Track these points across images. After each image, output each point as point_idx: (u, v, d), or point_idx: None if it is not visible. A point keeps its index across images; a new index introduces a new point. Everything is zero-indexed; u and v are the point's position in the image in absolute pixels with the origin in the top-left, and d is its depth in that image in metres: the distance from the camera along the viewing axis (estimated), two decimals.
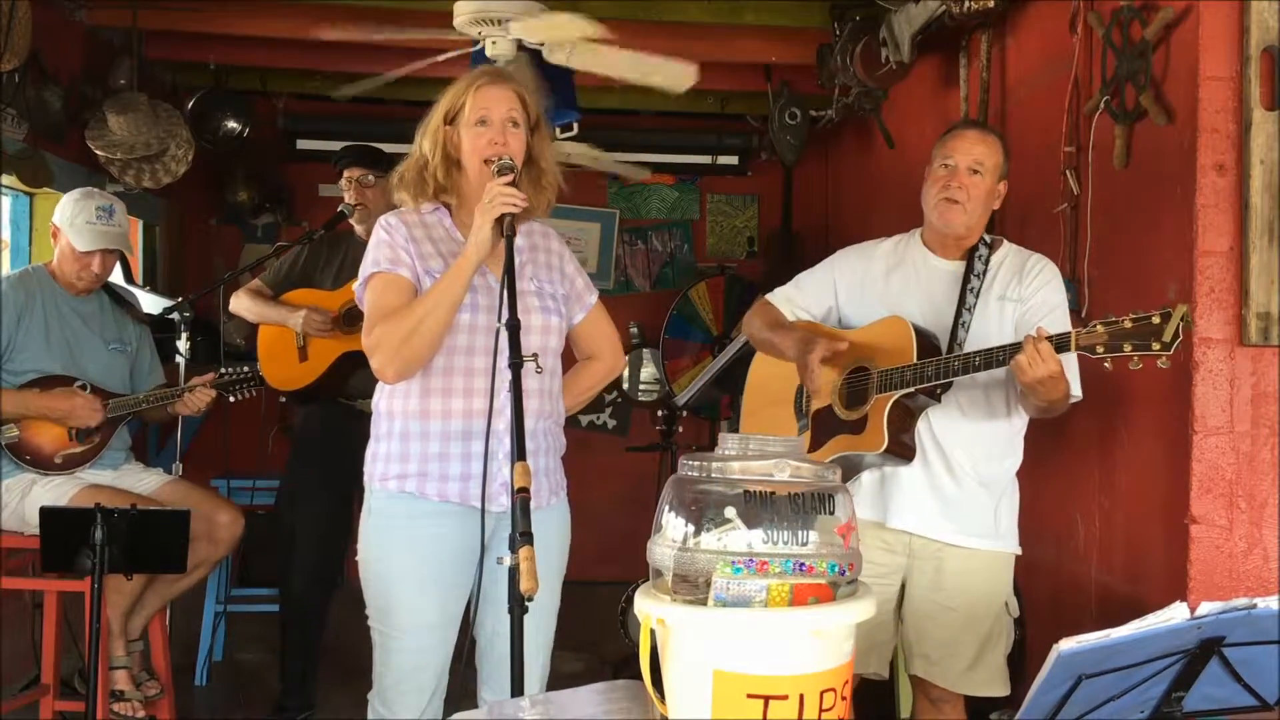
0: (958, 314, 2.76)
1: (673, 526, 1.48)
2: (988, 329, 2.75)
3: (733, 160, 6.84)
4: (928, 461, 2.78)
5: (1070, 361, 2.61)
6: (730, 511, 1.44)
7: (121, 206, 3.74)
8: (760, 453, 1.51)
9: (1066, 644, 1.53)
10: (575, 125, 4.67)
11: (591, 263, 6.80)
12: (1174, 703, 1.71)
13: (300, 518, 4.11)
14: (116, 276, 4.94)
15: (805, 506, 1.45)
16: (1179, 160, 2.92)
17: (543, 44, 3.87)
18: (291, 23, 4.87)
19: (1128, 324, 2.33)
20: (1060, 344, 2.43)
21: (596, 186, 6.80)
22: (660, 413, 5.01)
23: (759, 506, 1.44)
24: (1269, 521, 2.85)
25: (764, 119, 6.14)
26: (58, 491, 3.46)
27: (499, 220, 2.36)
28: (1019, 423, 2.84)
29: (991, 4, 3.81)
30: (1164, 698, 1.71)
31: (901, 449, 2.74)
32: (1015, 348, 2.48)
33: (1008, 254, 2.87)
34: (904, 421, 2.74)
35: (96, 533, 3.04)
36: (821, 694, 1.41)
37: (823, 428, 2.90)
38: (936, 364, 2.63)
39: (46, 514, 3.14)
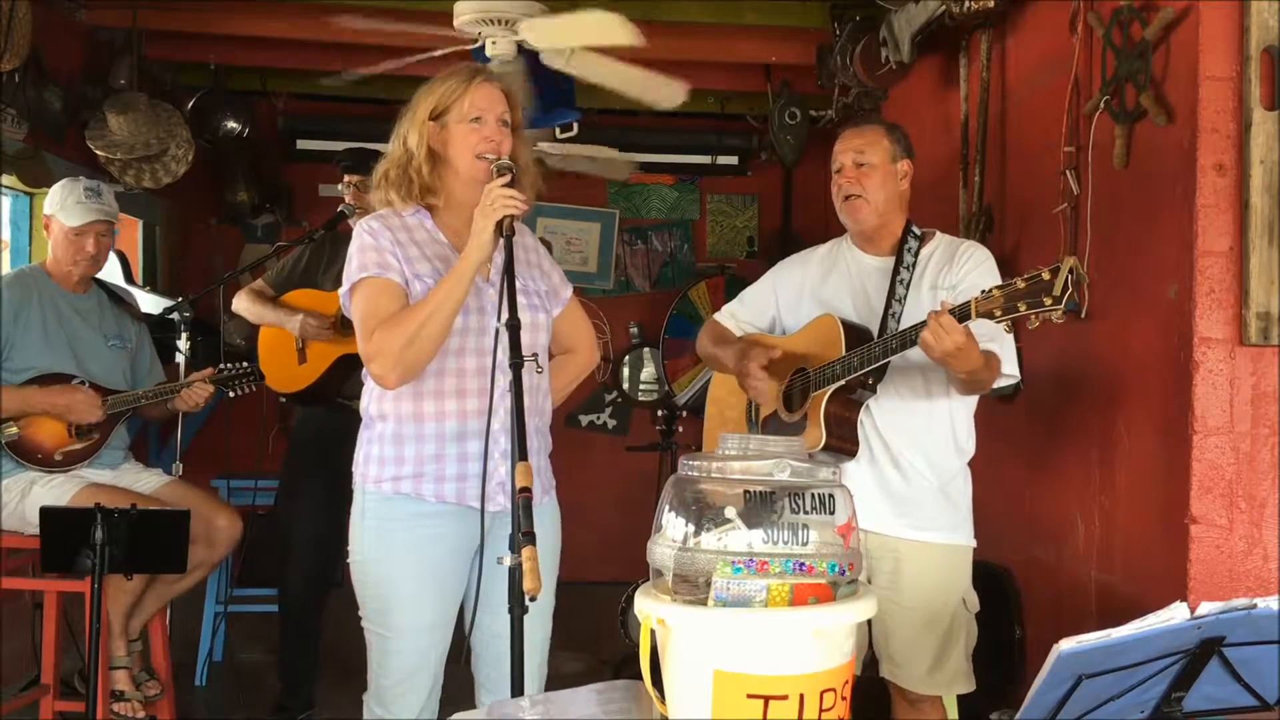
0: (887, 305, 2.77)
1: (673, 526, 1.48)
2: (920, 319, 2.74)
3: (733, 160, 6.84)
4: (874, 458, 2.78)
5: (1007, 344, 2.67)
6: (730, 511, 1.44)
7: (109, 190, 3.79)
8: (760, 453, 1.51)
9: (1066, 644, 1.53)
10: (575, 125, 4.67)
11: (591, 263, 6.80)
12: (1174, 703, 1.71)
13: (296, 518, 4.12)
14: (116, 277, 4.97)
15: (805, 506, 1.45)
16: (1179, 160, 2.92)
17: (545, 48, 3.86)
18: (292, 23, 4.87)
19: (1021, 284, 2.28)
20: (962, 314, 2.40)
21: (597, 186, 6.80)
22: (660, 413, 5.00)
23: (759, 506, 1.44)
24: (1269, 521, 2.85)
25: (764, 119, 6.14)
26: (58, 490, 3.46)
27: (498, 221, 2.36)
28: (962, 410, 2.83)
29: (991, 4, 3.82)
30: (1164, 698, 1.70)
31: (842, 444, 2.75)
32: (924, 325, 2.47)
33: (939, 245, 2.87)
34: (842, 415, 2.75)
35: (96, 533, 3.04)
36: (821, 694, 1.41)
37: (770, 434, 2.90)
38: (861, 353, 2.66)
39: (46, 514, 3.14)
